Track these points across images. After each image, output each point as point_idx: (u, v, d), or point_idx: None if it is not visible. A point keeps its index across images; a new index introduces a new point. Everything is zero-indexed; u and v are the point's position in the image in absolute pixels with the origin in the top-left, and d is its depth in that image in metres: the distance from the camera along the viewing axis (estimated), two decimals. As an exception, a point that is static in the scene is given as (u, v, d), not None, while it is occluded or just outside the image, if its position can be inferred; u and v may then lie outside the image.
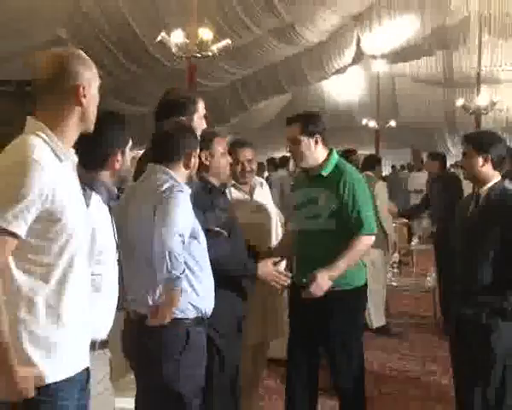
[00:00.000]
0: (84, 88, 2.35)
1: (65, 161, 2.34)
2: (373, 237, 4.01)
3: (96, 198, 2.75)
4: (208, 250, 3.32)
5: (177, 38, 12.03)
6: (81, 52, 2.44)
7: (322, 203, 3.91)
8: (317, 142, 3.95)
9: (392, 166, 22.83)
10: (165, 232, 2.99)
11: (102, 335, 2.76)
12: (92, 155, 2.79)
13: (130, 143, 2.93)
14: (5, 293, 2.16)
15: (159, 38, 12.06)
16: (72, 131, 2.39)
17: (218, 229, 3.60)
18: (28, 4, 12.20)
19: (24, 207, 2.16)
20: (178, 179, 3.19)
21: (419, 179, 13.37)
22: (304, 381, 4.11)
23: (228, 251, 3.60)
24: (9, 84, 8.26)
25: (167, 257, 2.97)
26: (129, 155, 2.91)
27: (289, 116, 4.11)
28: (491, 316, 3.69)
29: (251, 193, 4.60)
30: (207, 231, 3.43)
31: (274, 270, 3.84)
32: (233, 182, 4.48)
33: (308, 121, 3.99)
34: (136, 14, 14.42)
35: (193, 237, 3.18)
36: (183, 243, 3.06)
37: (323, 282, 3.81)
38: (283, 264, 4.27)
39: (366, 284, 4.13)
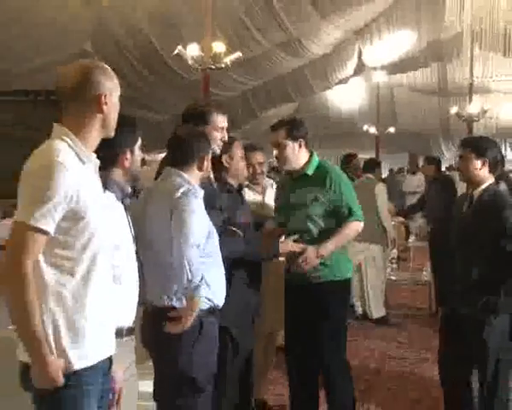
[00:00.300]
0: (105, 96, 2.36)
1: (87, 164, 2.34)
2: (361, 224, 4.03)
3: (109, 196, 2.75)
4: (225, 245, 3.32)
5: (192, 51, 12.05)
6: (103, 64, 2.46)
7: (311, 198, 3.91)
8: (300, 145, 3.97)
9: (390, 170, 22.78)
10: (183, 244, 3.00)
11: (128, 323, 2.78)
12: (103, 155, 2.81)
13: (140, 142, 2.92)
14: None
15: (176, 52, 12.08)
16: (94, 136, 2.39)
17: (234, 229, 3.59)
18: (57, 21, 12.23)
19: (51, 207, 2.17)
20: (192, 181, 3.18)
21: (413, 182, 13.37)
22: (303, 372, 4.09)
23: (242, 247, 3.59)
24: (40, 94, 8.28)
25: (187, 267, 2.99)
26: (139, 155, 2.90)
27: (274, 123, 4.12)
28: (484, 312, 3.65)
29: (263, 193, 4.63)
30: (225, 230, 3.46)
31: (292, 244, 3.87)
32: (246, 183, 4.51)
33: (292, 127, 4.00)
34: (156, 29, 14.44)
35: (207, 237, 3.16)
36: (199, 246, 3.06)
37: (312, 256, 3.83)
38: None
39: (351, 277, 4.16)
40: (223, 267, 3.27)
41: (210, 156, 3.33)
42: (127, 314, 2.78)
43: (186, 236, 3.00)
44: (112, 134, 2.46)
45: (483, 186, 3.76)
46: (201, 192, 3.19)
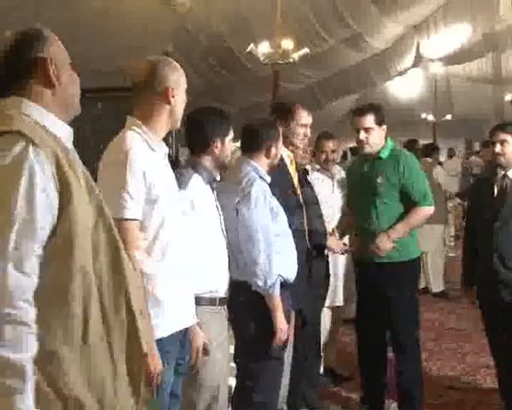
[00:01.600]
0: (172, 89, 2.35)
1: (158, 152, 2.35)
2: (432, 209, 3.87)
3: (197, 178, 2.76)
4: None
5: (263, 48, 12.04)
6: (170, 59, 2.47)
7: (383, 181, 3.77)
8: (384, 130, 3.84)
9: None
10: (252, 248, 2.96)
11: (220, 293, 2.80)
12: (196, 141, 2.85)
13: (232, 135, 2.93)
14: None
15: (248, 49, 12.09)
16: (162, 126, 2.40)
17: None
18: (142, 24, 12.42)
19: (133, 195, 2.18)
20: (260, 168, 3.16)
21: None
22: (373, 343, 4.00)
23: None
24: (126, 90, 8.42)
25: (257, 271, 2.96)
26: (229, 146, 2.91)
27: (360, 107, 3.97)
28: None
29: (332, 177, 4.62)
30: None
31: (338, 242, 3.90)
32: (318, 167, 4.55)
33: (378, 112, 3.87)
34: (230, 30, 14.51)
35: (273, 219, 3.12)
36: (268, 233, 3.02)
37: (384, 241, 3.73)
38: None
39: (419, 256, 4.00)
40: (292, 243, 3.22)
41: (280, 145, 3.28)
42: (221, 285, 2.80)
43: (253, 239, 2.96)
44: (178, 125, 2.49)
45: None
46: (268, 178, 3.17)
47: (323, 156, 4.56)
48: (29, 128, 1.59)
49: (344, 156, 12.54)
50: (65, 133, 1.73)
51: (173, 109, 2.39)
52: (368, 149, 3.87)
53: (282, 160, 3.47)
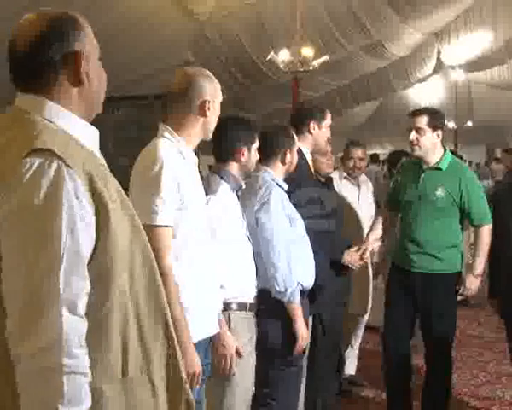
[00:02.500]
0: (209, 102, 2.35)
1: (188, 159, 2.35)
2: (490, 226, 3.77)
3: (225, 186, 2.77)
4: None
5: (283, 56, 12.05)
6: (208, 71, 2.45)
7: (442, 194, 3.68)
8: (438, 136, 3.74)
9: (477, 164, 22.16)
10: (272, 256, 2.94)
11: (250, 299, 2.82)
12: (223, 149, 2.85)
13: (257, 143, 2.93)
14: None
15: (268, 57, 12.11)
16: (195, 136, 2.41)
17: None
18: (162, 33, 12.50)
19: (166, 200, 2.18)
20: (276, 175, 3.15)
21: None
22: (400, 350, 3.90)
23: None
24: (147, 99, 8.52)
25: (277, 279, 2.94)
26: (255, 155, 2.91)
27: (417, 109, 3.89)
28: None
29: (358, 185, 4.62)
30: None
31: (357, 257, 3.74)
32: (345, 174, 4.55)
33: (434, 115, 3.77)
34: (249, 38, 14.54)
35: (292, 226, 3.10)
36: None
37: (472, 284, 3.74)
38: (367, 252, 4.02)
39: (460, 271, 3.88)
40: (310, 250, 3.20)
41: (295, 151, 3.27)
42: (250, 291, 2.81)
43: (272, 247, 2.94)
44: (210, 137, 2.48)
45: None
46: (285, 185, 3.16)
47: (351, 164, 4.57)
48: (59, 143, 1.40)
49: (374, 162, 12.51)
50: (92, 137, 1.57)
51: (208, 121, 2.40)
52: (417, 151, 3.76)
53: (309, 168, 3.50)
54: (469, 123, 26.07)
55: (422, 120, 3.72)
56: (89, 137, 1.55)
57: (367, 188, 4.83)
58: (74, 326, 1.34)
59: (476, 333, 6.17)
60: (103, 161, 1.58)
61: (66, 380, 1.32)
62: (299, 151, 3.44)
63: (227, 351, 2.60)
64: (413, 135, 3.73)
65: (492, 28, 18.94)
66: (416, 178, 3.81)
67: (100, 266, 1.42)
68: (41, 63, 1.48)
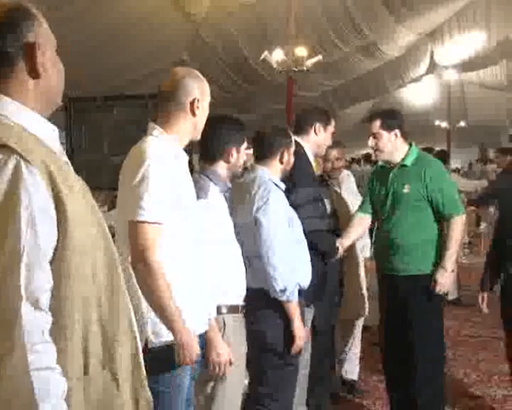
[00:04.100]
0: (198, 101, 2.36)
1: (178, 158, 2.35)
2: (464, 217, 3.68)
3: (214, 188, 2.75)
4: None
5: (277, 56, 12.04)
6: (197, 71, 2.46)
7: (408, 190, 3.61)
8: (396, 135, 3.69)
9: (469, 164, 22.16)
10: (272, 256, 2.92)
11: (240, 301, 2.81)
12: (209, 149, 2.83)
13: (246, 144, 2.91)
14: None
15: (262, 57, 12.10)
16: (185, 135, 2.41)
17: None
18: (159, 34, 12.49)
19: (154, 197, 2.18)
20: (273, 175, 3.14)
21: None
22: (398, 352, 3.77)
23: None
24: (143, 98, 8.52)
25: (276, 279, 2.93)
26: (243, 156, 2.89)
27: (370, 114, 3.89)
28: None
29: (339, 185, 4.61)
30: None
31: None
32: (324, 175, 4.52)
33: (386, 117, 3.74)
34: (246, 38, 14.55)
35: (290, 226, 3.10)
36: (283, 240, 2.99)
37: (444, 278, 3.57)
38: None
39: None
40: (307, 250, 3.20)
41: (292, 151, 3.26)
42: (240, 293, 2.81)
43: (269, 248, 2.92)
44: (199, 136, 2.48)
45: None
46: (283, 186, 3.15)
47: (329, 165, 4.55)
48: (17, 138, 1.37)
49: (358, 162, 12.51)
50: (50, 133, 1.51)
51: (197, 121, 2.40)
52: (379, 156, 3.76)
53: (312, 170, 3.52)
54: (462, 123, 26.11)
55: (376, 125, 3.70)
56: (47, 134, 1.50)
57: (348, 182, 4.85)
58: (37, 322, 1.33)
59: (468, 332, 6.19)
60: (65, 158, 1.54)
61: (35, 379, 1.31)
62: (302, 151, 3.45)
63: (221, 359, 2.59)
64: (371, 141, 3.73)
65: (486, 29, 18.98)
66: (384, 180, 3.78)
67: (61, 261, 1.40)
68: None
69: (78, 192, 1.45)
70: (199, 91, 2.38)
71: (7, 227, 1.32)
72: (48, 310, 1.37)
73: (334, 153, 4.54)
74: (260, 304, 2.98)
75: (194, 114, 2.37)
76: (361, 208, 4.02)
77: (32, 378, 1.31)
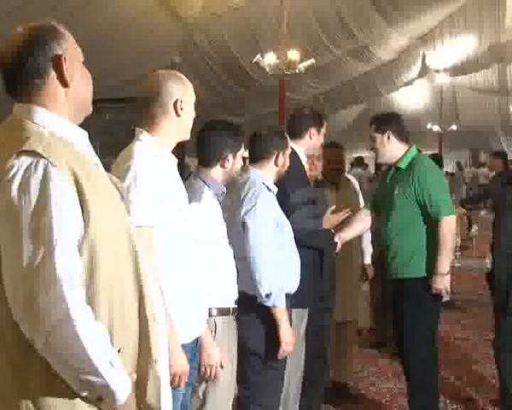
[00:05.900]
0: (181, 102, 2.35)
1: (166, 161, 2.34)
2: (454, 217, 3.63)
3: (209, 192, 2.74)
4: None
5: (269, 59, 12.06)
6: (178, 72, 2.45)
7: (397, 193, 3.62)
8: (389, 137, 3.70)
9: (457, 163, 22.05)
10: (258, 260, 2.90)
11: (232, 304, 2.79)
12: (207, 154, 2.82)
13: (243, 150, 2.90)
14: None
15: (255, 60, 12.12)
16: (171, 138, 2.39)
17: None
18: (151, 37, 12.50)
19: (145, 201, 2.17)
20: (267, 177, 3.13)
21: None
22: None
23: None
24: (134, 101, 8.48)
25: (262, 283, 2.91)
26: (240, 161, 2.88)
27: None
28: None
29: (337, 188, 4.57)
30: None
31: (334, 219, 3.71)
32: (321, 177, 4.49)
33: (379, 120, 3.77)
34: (237, 41, 14.56)
35: (280, 230, 3.08)
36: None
37: (439, 284, 3.54)
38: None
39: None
40: (296, 255, 3.17)
41: (288, 153, 3.26)
42: (231, 296, 2.80)
43: (257, 252, 2.90)
44: (188, 137, 2.46)
45: None
46: (275, 188, 3.14)
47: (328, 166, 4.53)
48: (46, 144, 1.54)
49: (352, 165, 12.48)
50: (80, 138, 1.69)
51: (182, 122, 2.39)
52: (377, 158, 3.85)
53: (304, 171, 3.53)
54: (454, 127, 26.20)
55: (372, 129, 3.76)
56: (76, 137, 1.67)
57: (349, 184, 4.88)
58: (76, 298, 1.48)
59: (460, 335, 6.20)
60: (95, 160, 1.71)
61: (88, 343, 1.47)
62: (295, 154, 3.44)
63: (212, 361, 2.58)
64: (370, 145, 3.80)
65: (477, 33, 19.10)
66: (384, 181, 3.85)
67: (87, 251, 1.55)
68: (27, 71, 1.63)
69: (101, 191, 1.62)
70: (181, 92, 2.37)
71: (40, 223, 1.48)
72: (81, 288, 1.52)
73: (334, 153, 4.55)
74: (247, 309, 2.95)
75: (178, 114, 2.36)
76: (368, 205, 4.05)
77: (84, 344, 1.46)
